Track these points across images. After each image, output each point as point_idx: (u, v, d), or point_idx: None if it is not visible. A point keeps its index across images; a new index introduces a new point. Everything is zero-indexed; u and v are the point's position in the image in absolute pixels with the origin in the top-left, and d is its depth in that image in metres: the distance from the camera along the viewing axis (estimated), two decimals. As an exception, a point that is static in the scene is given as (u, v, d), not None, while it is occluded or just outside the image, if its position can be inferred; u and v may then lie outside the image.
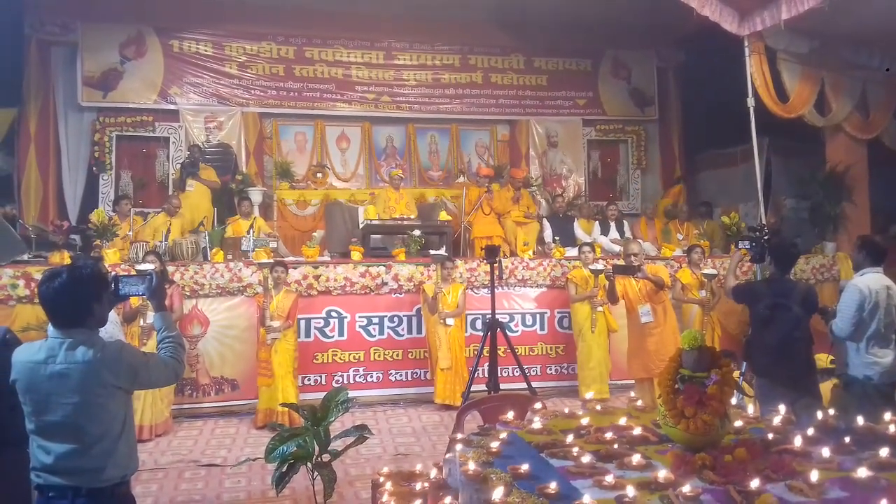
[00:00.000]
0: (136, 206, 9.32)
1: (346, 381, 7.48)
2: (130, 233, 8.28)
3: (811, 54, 8.52)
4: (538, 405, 3.68)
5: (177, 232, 8.31)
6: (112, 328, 4.25)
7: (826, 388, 5.25)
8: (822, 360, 5.91)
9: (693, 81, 11.32)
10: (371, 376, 7.70)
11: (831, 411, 3.35)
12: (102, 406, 2.63)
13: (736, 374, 5.03)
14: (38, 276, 6.42)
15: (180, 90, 10.14)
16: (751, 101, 8.00)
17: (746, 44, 7.98)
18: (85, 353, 2.59)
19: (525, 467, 2.62)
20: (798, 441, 2.80)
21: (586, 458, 2.72)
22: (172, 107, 10.10)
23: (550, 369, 8.17)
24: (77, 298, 2.65)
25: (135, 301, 6.33)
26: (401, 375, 7.79)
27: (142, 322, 6.41)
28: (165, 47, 10.10)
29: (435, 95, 11.06)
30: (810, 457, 2.69)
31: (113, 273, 3.00)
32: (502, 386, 6.85)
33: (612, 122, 11.63)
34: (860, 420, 3.12)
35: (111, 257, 7.25)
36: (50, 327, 2.68)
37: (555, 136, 11.29)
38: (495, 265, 6.74)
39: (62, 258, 7.02)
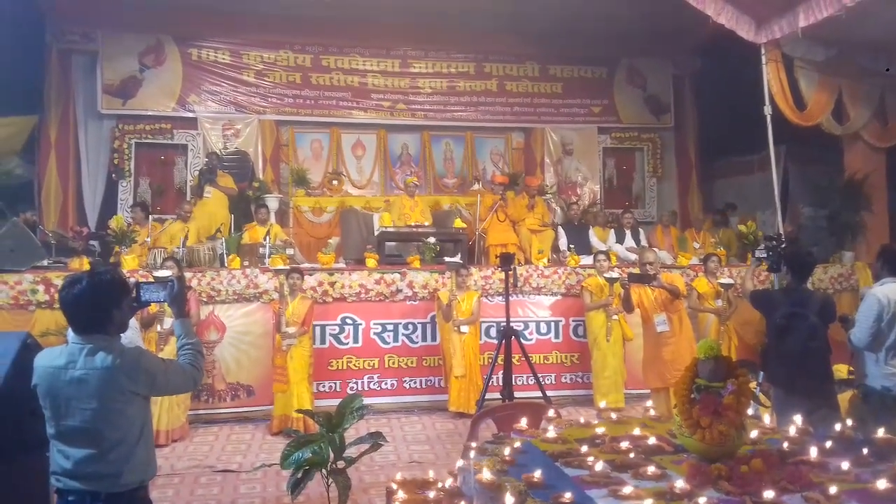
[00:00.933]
0: (154, 212, 9.44)
1: (360, 388, 7.50)
2: (148, 239, 8.36)
3: (828, 62, 8.46)
4: (552, 413, 3.68)
5: (194, 238, 8.38)
6: (131, 333, 4.30)
7: (844, 398, 5.19)
8: (841, 370, 5.85)
9: (709, 89, 11.28)
10: (385, 383, 7.70)
11: (849, 422, 3.31)
12: (120, 412, 2.65)
13: (753, 384, 5.01)
14: (58, 282, 6.50)
15: (198, 98, 10.26)
16: (768, 109, 7.96)
17: (763, 51, 7.94)
18: (104, 360, 2.61)
19: (539, 476, 2.61)
20: (815, 452, 2.78)
21: (601, 468, 2.71)
22: (191, 114, 10.24)
23: (565, 378, 8.13)
24: (97, 304, 2.67)
25: (153, 307, 6.39)
26: (415, 383, 7.79)
27: (159, 328, 6.47)
28: (184, 56, 10.24)
29: (450, 103, 11.11)
30: (827, 468, 2.66)
31: (134, 280, 3.02)
32: (517, 394, 6.84)
33: (628, 129, 11.63)
34: (879, 431, 3.09)
35: (129, 263, 7.32)
36: (70, 333, 2.71)
37: (570, 144, 11.29)
38: (510, 273, 6.73)
39: (81, 264, 7.11)
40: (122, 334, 2.80)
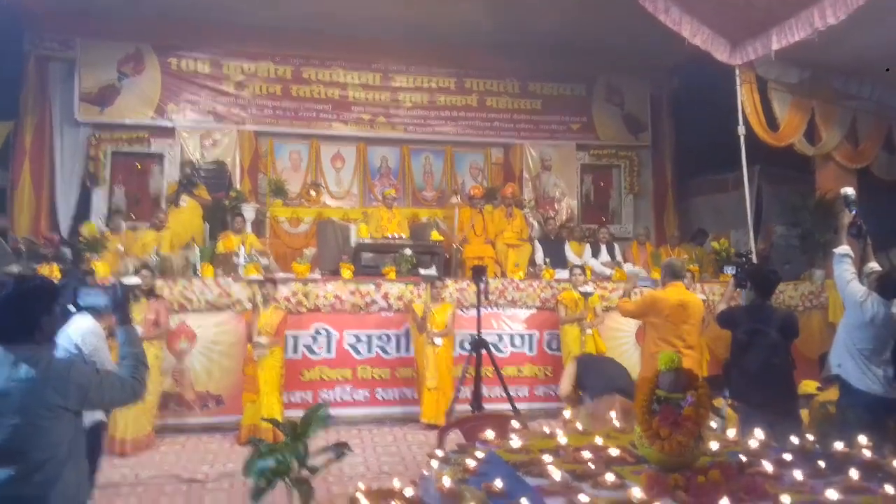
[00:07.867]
0: (128, 220, 9.34)
1: (332, 399, 7.44)
2: (121, 247, 8.27)
3: (802, 84, 8.63)
4: (517, 424, 3.68)
5: (167, 247, 8.31)
6: (96, 340, 4.23)
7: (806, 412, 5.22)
8: (810, 386, 5.90)
9: (686, 108, 11.43)
10: (358, 394, 7.65)
11: (809, 436, 3.34)
12: (46, 429, 2.46)
13: (719, 401, 5.02)
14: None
15: (177, 107, 10.21)
16: (741, 130, 8.07)
17: (738, 73, 8.07)
18: (28, 371, 2.43)
19: (499, 485, 2.62)
20: (772, 464, 2.81)
21: (561, 477, 2.71)
22: (168, 124, 10.16)
23: (538, 391, 8.12)
24: (24, 312, 2.52)
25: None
26: (388, 394, 7.74)
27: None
28: (164, 65, 10.19)
29: (430, 117, 11.16)
30: (783, 480, 2.69)
31: (73, 284, 2.90)
32: (490, 406, 6.85)
33: (606, 146, 11.73)
34: (837, 445, 3.12)
35: (100, 270, 7.23)
36: None
37: (548, 160, 11.37)
38: (482, 285, 6.75)
39: (51, 271, 7.01)
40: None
